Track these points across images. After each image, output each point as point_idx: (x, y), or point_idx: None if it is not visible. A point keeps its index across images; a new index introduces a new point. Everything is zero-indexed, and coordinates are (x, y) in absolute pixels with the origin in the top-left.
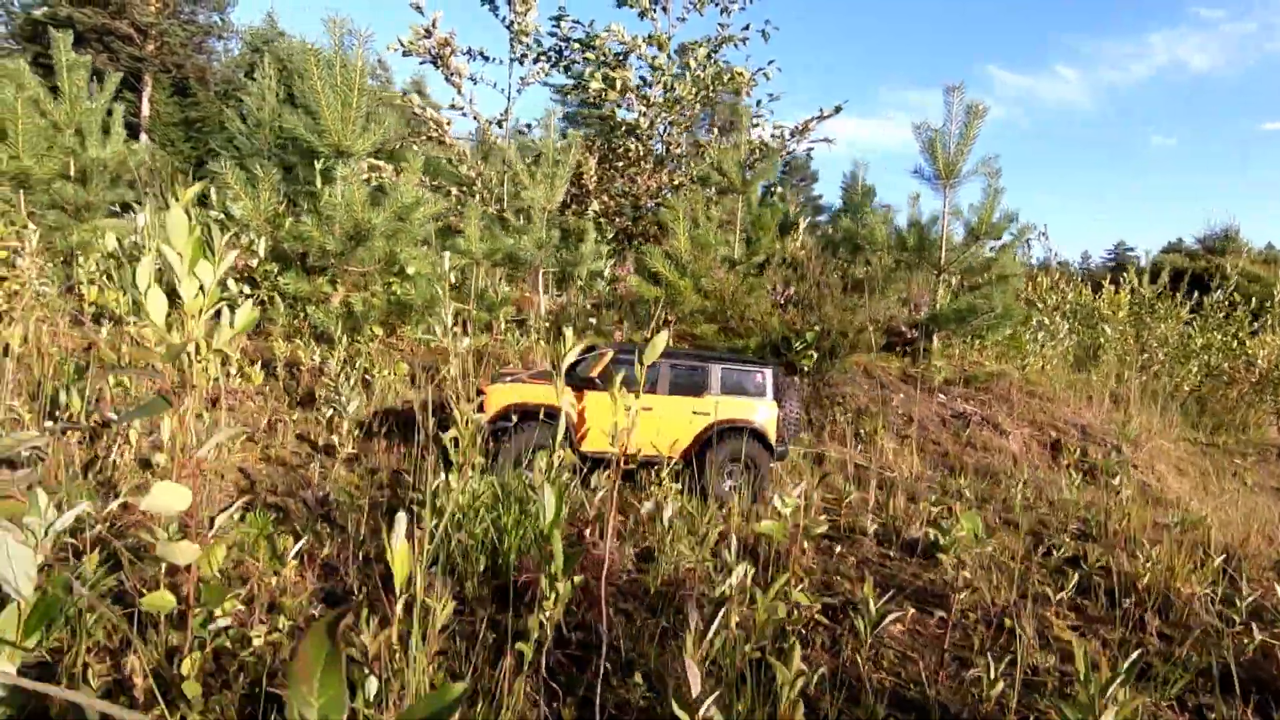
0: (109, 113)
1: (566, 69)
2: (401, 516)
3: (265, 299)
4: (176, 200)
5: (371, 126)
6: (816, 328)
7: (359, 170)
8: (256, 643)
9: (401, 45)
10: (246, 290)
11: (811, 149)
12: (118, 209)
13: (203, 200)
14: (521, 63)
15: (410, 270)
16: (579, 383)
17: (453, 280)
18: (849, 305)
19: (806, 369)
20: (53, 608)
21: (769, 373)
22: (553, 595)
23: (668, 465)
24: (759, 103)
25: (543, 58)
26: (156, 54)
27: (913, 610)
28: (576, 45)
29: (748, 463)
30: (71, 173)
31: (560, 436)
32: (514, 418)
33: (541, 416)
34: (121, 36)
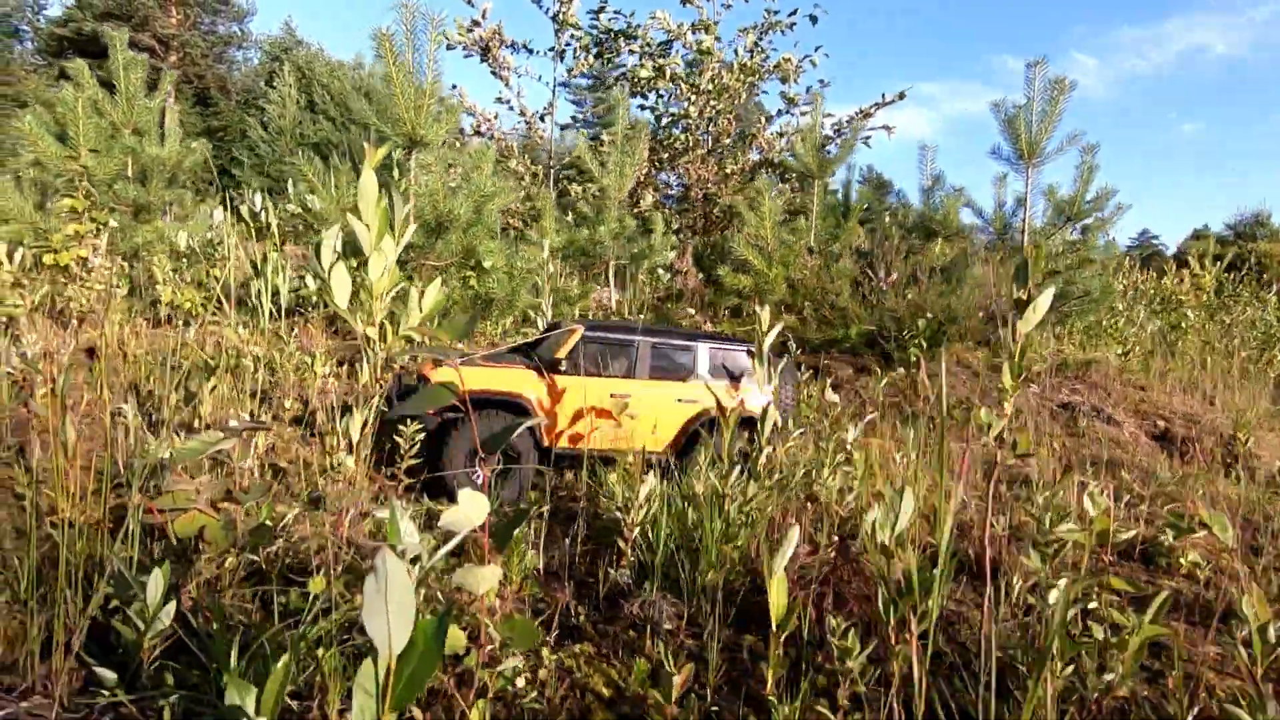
0: (163, 112)
1: (608, 61)
2: (793, 533)
3: None
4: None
5: (443, 115)
6: (928, 315)
7: (441, 158)
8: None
9: (447, 39)
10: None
11: (869, 136)
12: (175, 208)
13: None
14: (562, 57)
15: (487, 264)
16: (543, 366)
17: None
18: (946, 292)
19: (915, 359)
20: (430, 666)
21: (762, 350)
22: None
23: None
24: (808, 89)
25: (584, 50)
26: (179, 65)
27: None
28: (621, 36)
29: (741, 455)
30: (130, 172)
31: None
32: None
33: (501, 406)
34: (144, 49)
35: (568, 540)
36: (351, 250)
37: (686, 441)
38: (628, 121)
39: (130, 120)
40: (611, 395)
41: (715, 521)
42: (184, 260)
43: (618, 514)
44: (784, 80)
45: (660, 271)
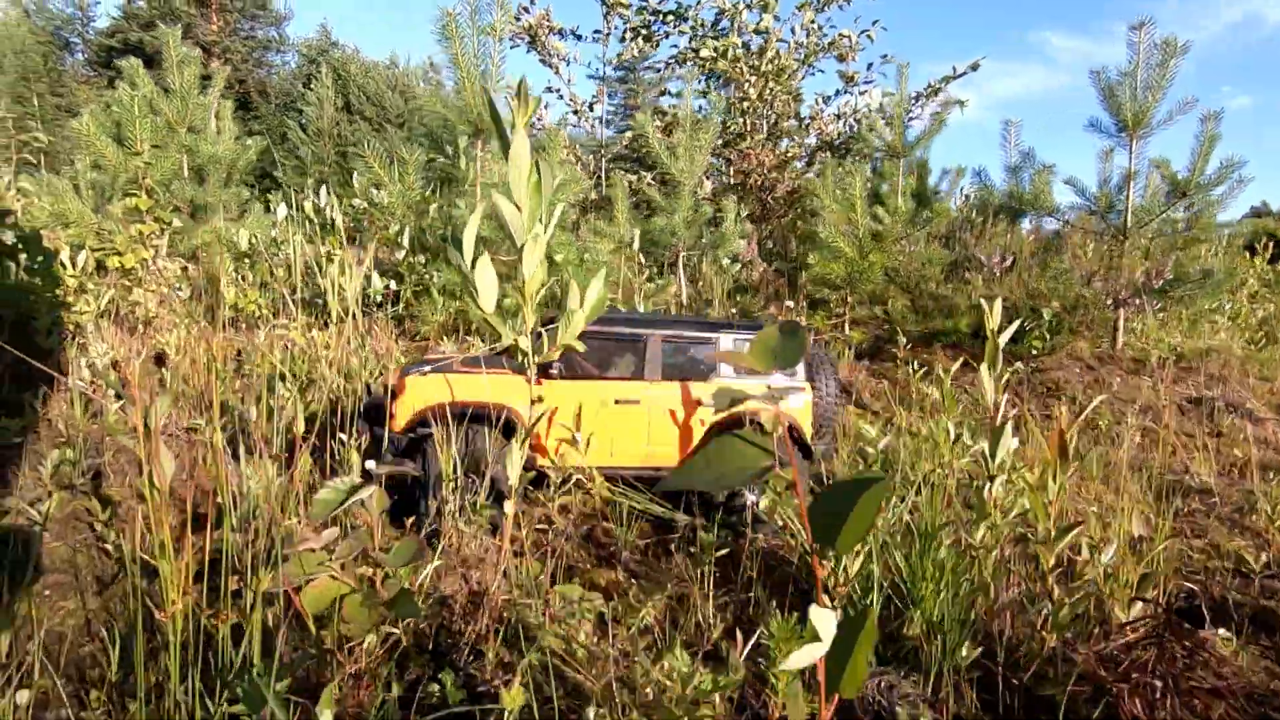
0: (217, 109)
1: (655, 45)
2: None
3: (411, 295)
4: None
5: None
6: (1054, 304)
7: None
8: None
9: (495, 30)
10: (393, 285)
11: (939, 113)
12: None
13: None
14: (608, 40)
15: (558, 258)
16: (538, 374)
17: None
18: (1058, 275)
19: (1035, 352)
20: None
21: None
22: None
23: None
24: (870, 66)
25: (635, 34)
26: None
27: None
28: (670, 18)
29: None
30: (186, 172)
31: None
32: (437, 423)
33: (491, 419)
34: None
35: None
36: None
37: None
38: (693, 104)
39: (185, 118)
40: (615, 401)
41: (936, 568)
42: (246, 260)
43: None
44: (841, 58)
45: (726, 262)
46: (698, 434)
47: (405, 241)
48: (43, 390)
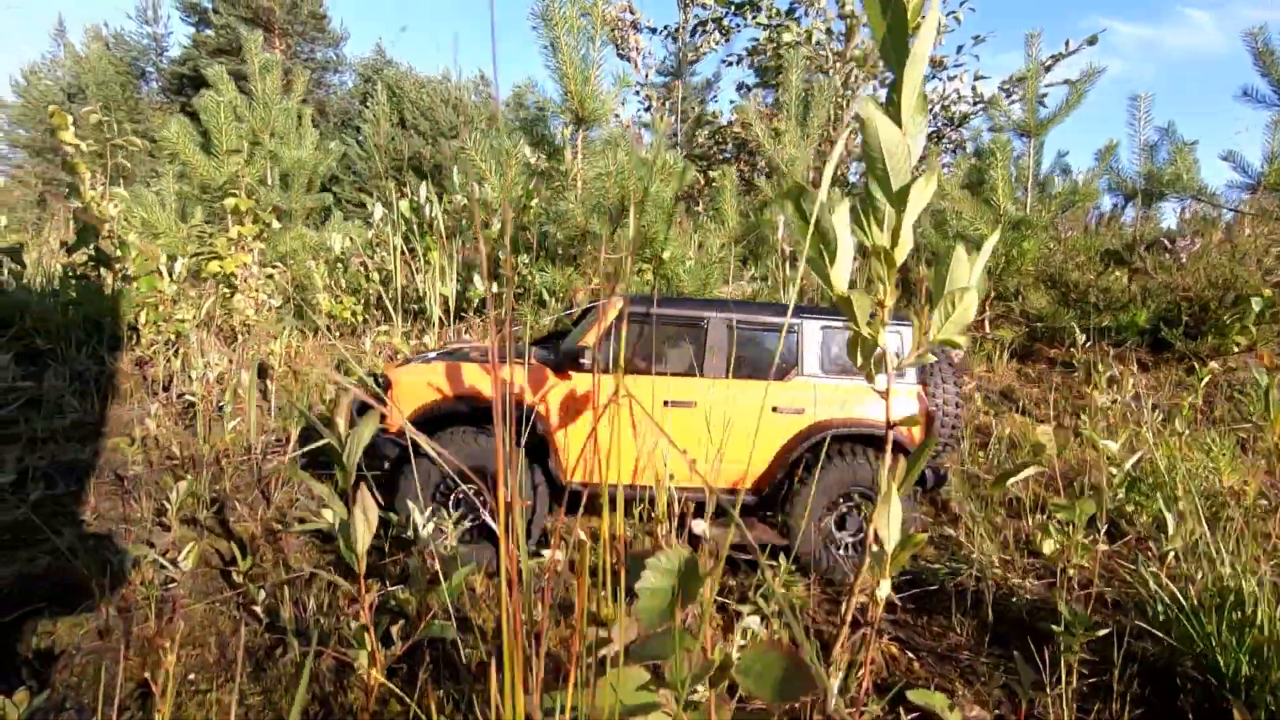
0: (299, 114)
1: (730, 37)
2: None
3: (514, 297)
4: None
5: (612, 87)
6: (1266, 292)
7: (621, 132)
8: None
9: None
10: (495, 288)
11: (1044, 94)
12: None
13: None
14: (675, 36)
15: (666, 254)
16: (560, 363)
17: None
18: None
19: (1236, 349)
20: None
21: (906, 333)
22: None
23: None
24: (960, 49)
25: (704, 26)
26: (301, 74)
27: None
28: (747, 9)
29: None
30: (269, 179)
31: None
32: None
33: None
34: (247, 77)
35: None
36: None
37: (785, 474)
38: (799, 90)
39: (269, 124)
40: (666, 403)
41: None
42: (339, 266)
43: None
44: None
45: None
46: (772, 447)
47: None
48: (154, 405)
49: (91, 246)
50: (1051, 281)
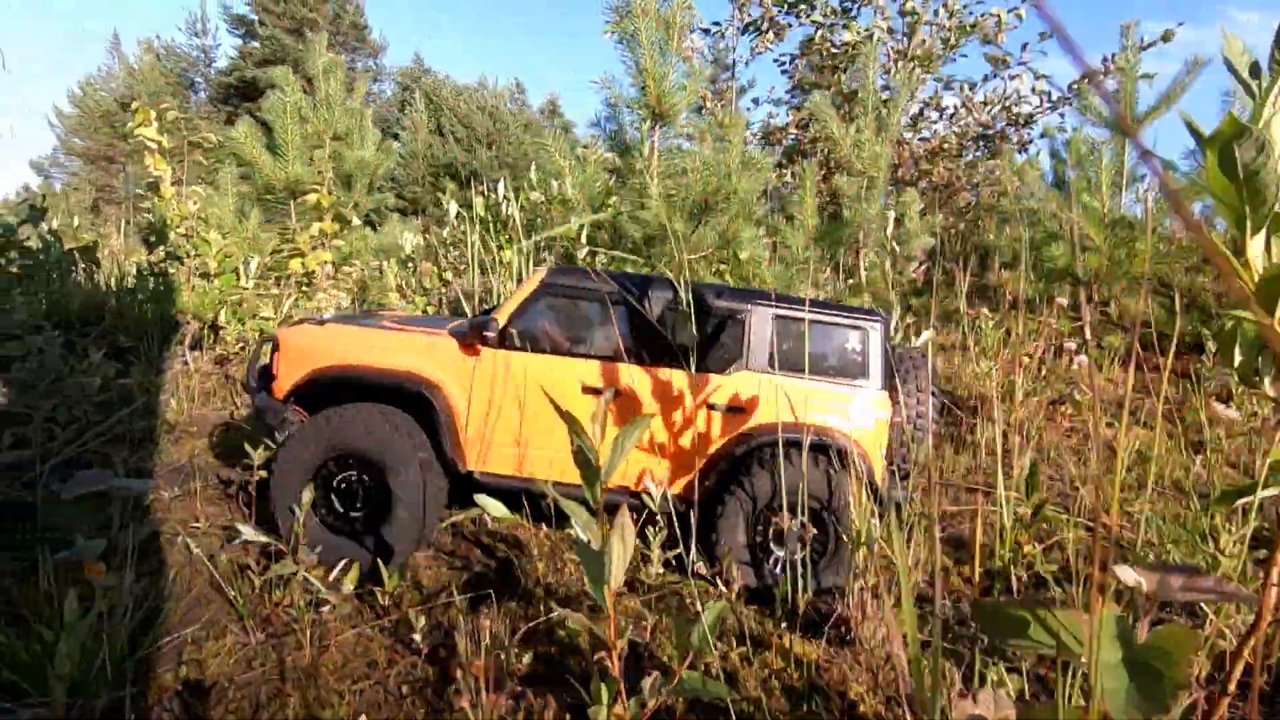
0: (361, 114)
1: (783, 35)
2: None
3: None
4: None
5: (688, 81)
6: None
7: (707, 125)
8: None
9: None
10: None
11: (1183, 79)
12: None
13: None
14: (730, 32)
15: (743, 255)
16: (465, 335)
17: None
18: None
19: None
20: None
21: (875, 331)
22: None
23: (656, 503)
24: (1024, 46)
25: (755, 26)
26: (363, 77)
27: None
28: (802, 8)
29: (821, 516)
30: (334, 178)
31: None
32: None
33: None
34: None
35: None
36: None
37: (719, 480)
38: (874, 88)
39: (331, 125)
40: (584, 388)
41: None
42: (409, 266)
43: None
44: (985, 40)
45: (898, 260)
46: (703, 446)
47: (583, 238)
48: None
49: (168, 244)
50: (1161, 285)
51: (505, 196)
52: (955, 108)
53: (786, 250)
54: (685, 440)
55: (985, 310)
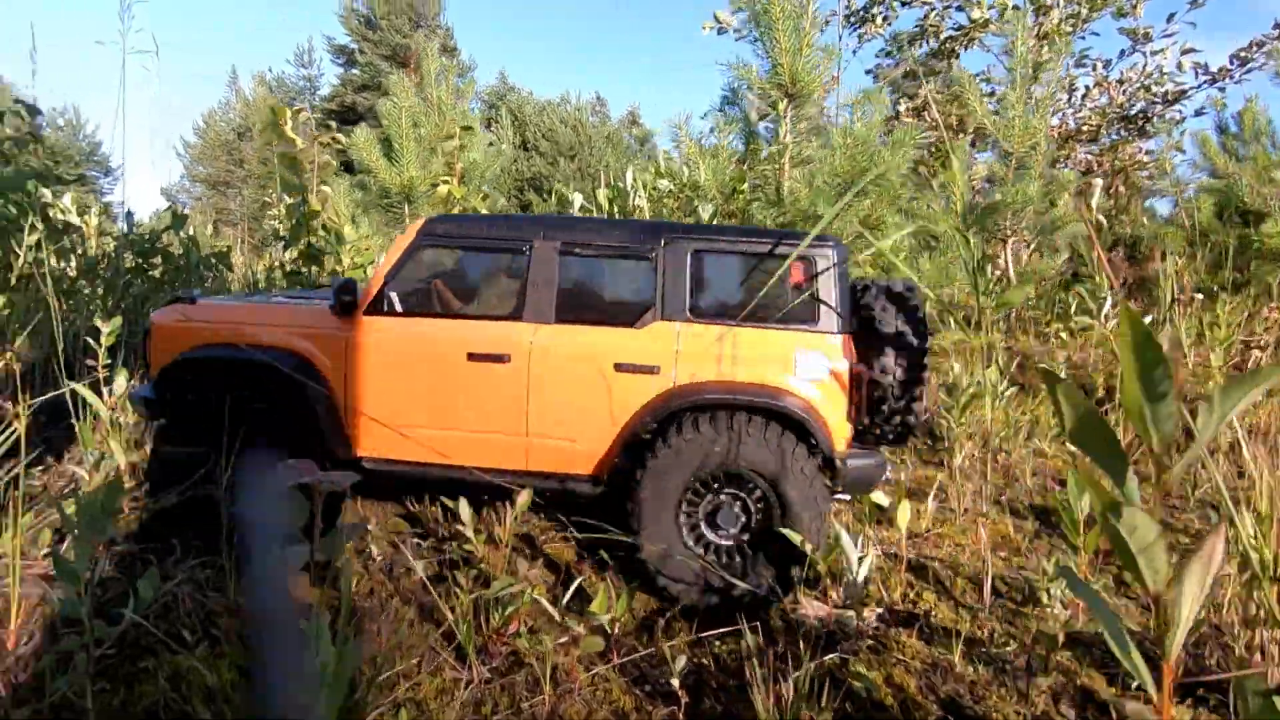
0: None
1: (888, 20)
2: None
3: None
4: None
5: (823, 60)
6: None
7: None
8: None
9: (718, 23)
10: None
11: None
12: None
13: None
14: (850, 20)
15: (884, 244)
16: (341, 303)
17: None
18: None
19: None
20: None
21: (824, 261)
22: None
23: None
24: (1170, 17)
25: (862, 16)
26: (470, 81)
27: None
28: None
29: (766, 496)
30: (443, 181)
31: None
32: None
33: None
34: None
35: None
36: None
37: (634, 458)
38: (1026, 57)
39: (444, 128)
40: (470, 356)
41: None
42: None
43: None
44: (1120, 13)
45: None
46: (615, 416)
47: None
48: None
49: (305, 241)
50: None
51: (632, 185)
52: (1087, 88)
53: (934, 239)
54: (593, 412)
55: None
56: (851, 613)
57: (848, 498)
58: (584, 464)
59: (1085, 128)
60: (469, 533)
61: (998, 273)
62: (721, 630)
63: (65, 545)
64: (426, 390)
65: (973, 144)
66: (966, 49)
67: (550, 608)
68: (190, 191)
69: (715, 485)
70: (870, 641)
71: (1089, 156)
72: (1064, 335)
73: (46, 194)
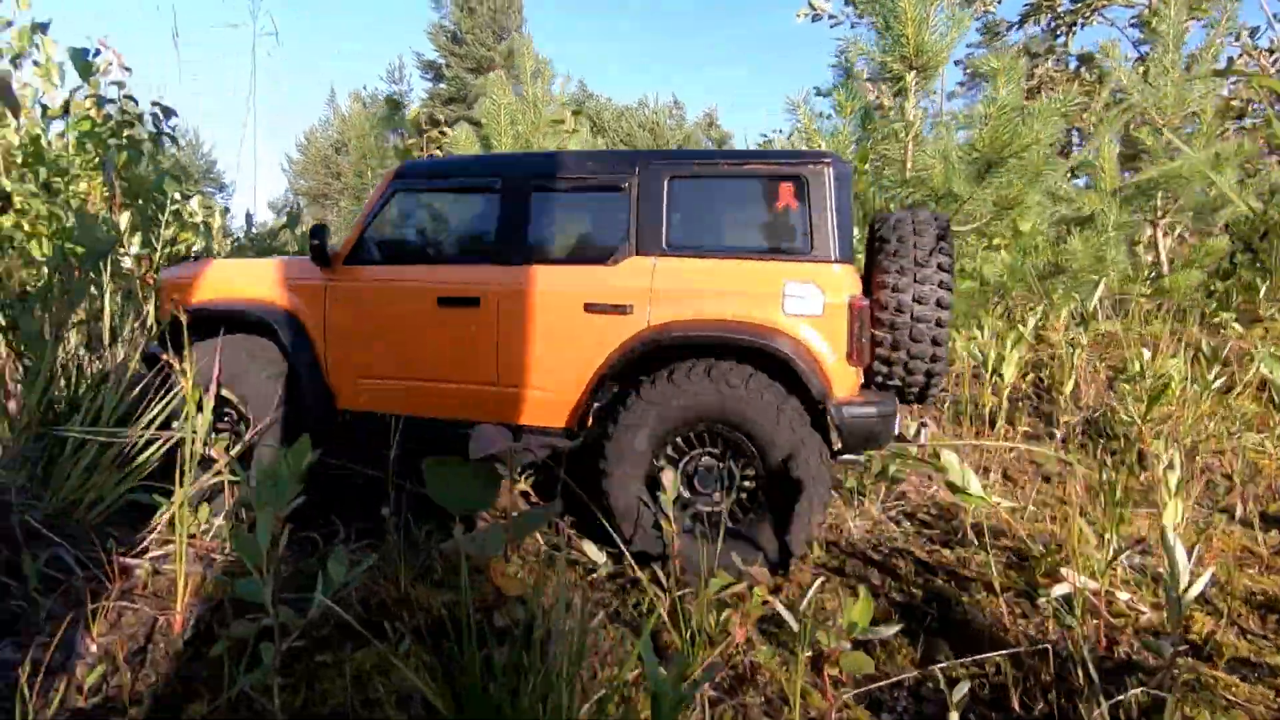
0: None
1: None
2: None
3: None
4: None
5: (951, 27)
6: None
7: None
8: None
9: (813, 9)
10: None
11: None
12: None
13: None
14: None
15: (1025, 225)
16: (317, 254)
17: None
18: None
19: None
20: None
21: (820, 179)
22: None
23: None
24: None
25: None
26: (564, 82)
27: None
28: None
29: (750, 453)
30: None
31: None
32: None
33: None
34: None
35: None
36: None
37: (604, 407)
38: (1175, 22)
39: (540, 126)
40: (439, 301)
41: None
42: None
43: None
44: None
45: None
46: (586, 362)
47: None
48: None
49: None
50: None
51: None
52: (1231, 60)
53: (1078, 223)
54: (563, 359)
55: None
56: (1167, 642)
57: (860, 458)
58: (557, 416)
59: (1234, 101)
60: (665, 516)
61: (1150, 257)
62: (987, 655)
63: (221, 518)
64: (399, 339)
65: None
66: (1086, 24)
67: (786, 613)
68: (293, 204)
69: (693, 441)
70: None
71: (1238, 132)
72: (1235, 326)
73: (177, 195)
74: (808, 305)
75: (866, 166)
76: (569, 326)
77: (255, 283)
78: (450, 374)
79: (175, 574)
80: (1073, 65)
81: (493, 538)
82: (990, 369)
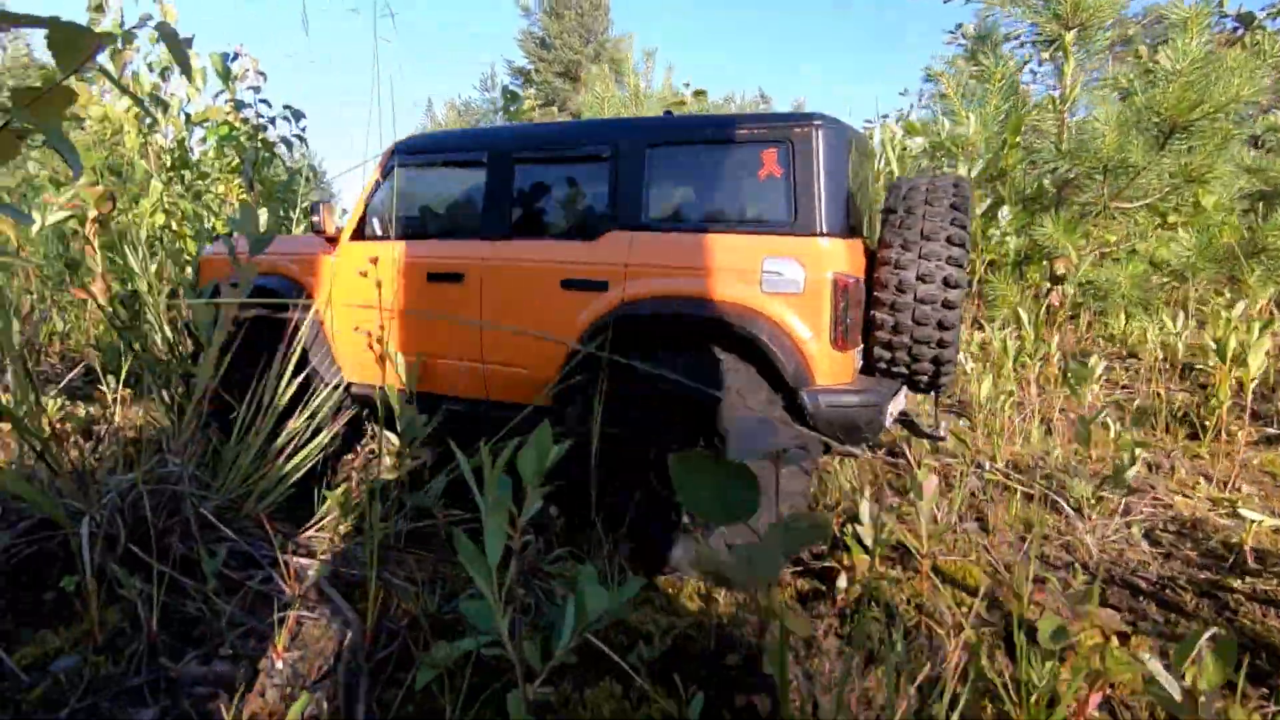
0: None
1: None
2: None
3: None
4: None
5: None
6: None
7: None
8: None
9: None
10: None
11: None
12: None
13: None
14: None
15: (1207, 201)
16: (320, 230)
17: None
18: None
19: None
20: None
21: (809, 144)
22: None
23: None
24: None
25: None
26: (667, 75)
27: None
28: None
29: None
30: None
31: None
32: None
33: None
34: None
35: None
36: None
37: (576, 386)
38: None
39: (640, 116)
40: (430, 276)
41: None
42: None
43: None
44: None
45: None
46: (563, 346)
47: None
48: None
49: None
50: None
51: (883, 143)
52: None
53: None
54: (544, 329)
55: None
56: None
57: (857, 451)
58: (538, 396)
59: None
60: (860, 524)
61: None
62: None
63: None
64: (393, 314)
65: None
66: None
67: (1164, 675)
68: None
69: (662, 428)
70: None
71: None
72: None
73: (299, 193)
74: (787, 283)
75: (1017, 138)
76: (547, 304)
77: (275, 257)
78: (441, 350)
79: (360, 578)
80: (1230, 26)
81: (767, 556)
82: (1228, 358)
